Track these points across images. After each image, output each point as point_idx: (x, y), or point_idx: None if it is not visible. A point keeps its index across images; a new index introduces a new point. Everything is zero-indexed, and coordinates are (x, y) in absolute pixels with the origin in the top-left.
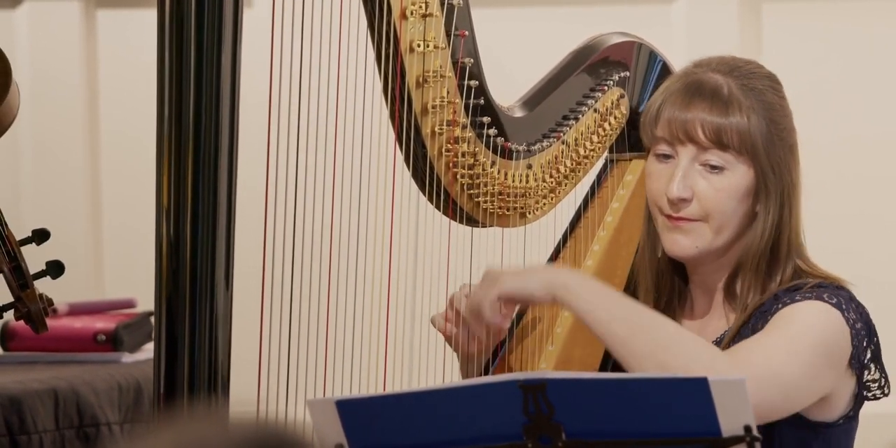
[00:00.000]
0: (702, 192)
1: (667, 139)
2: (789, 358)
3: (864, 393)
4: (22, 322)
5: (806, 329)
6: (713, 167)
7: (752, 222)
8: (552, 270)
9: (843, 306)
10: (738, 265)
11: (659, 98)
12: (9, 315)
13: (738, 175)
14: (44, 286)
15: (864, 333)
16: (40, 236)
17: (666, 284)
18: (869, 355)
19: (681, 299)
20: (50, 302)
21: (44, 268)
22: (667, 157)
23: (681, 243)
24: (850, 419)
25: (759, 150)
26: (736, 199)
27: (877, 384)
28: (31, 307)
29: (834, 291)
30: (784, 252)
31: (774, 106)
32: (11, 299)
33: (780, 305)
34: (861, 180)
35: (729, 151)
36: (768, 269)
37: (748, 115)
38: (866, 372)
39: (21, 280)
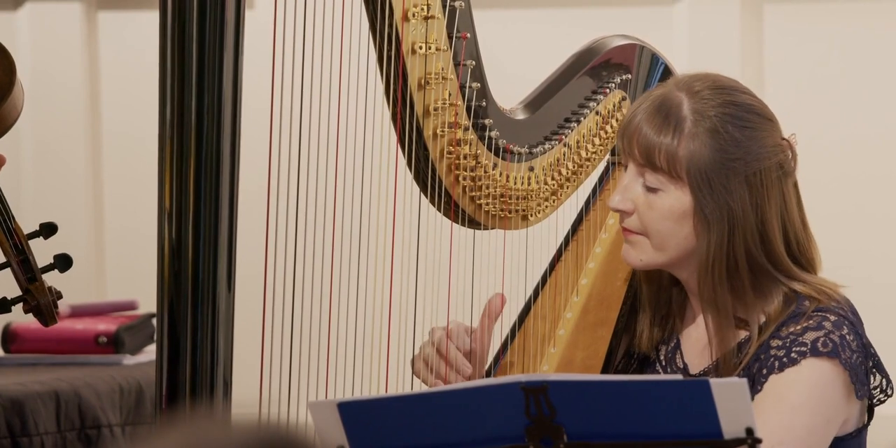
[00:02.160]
0: (640, 208)
1: (620, 148)
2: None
3: (871, 401)
4: (24, 324)
5: (801, 411)
6: (649, 188)
7: None
8: None
9: (839, 349)
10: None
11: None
12: (17, 310)
13: (673, 197)
14: (49, 281)
15: (861, 360)
16: (48, 230)
17: (664, 296)
18: (871, 369)
19: (682, 313)
20: (59, 295)
21: (51, 261)
22: (625, 167)
23: (629, 254)
24: (862, 429)
25: (692, 176)
26: (672, 221)
27: (878, 389)
28: (41, 300)
29: (830, 330)
30: (756, 279)
31: (723, 135)
32: (19, 293)
33: (775, 363)
34: (862, 181)
35: (660, 172)
36: (740, 290)
37: (685, 139)
38: (871, 380)
39: (29, 273)
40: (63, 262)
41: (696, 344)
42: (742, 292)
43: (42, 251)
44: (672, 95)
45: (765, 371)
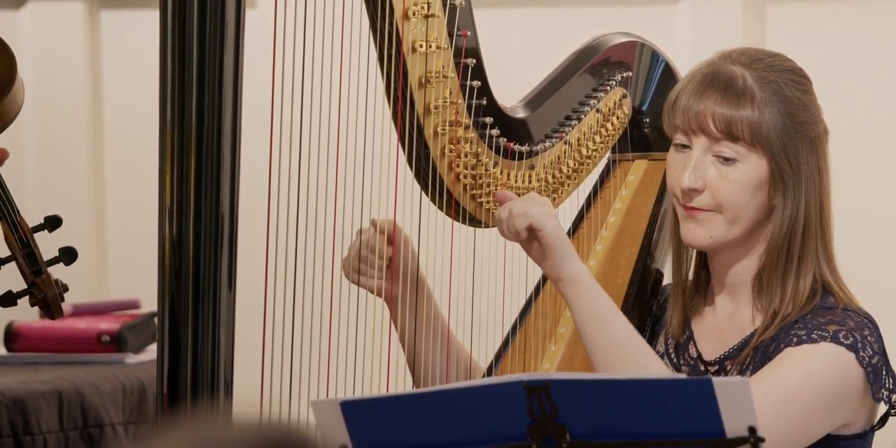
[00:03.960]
0: (714, 183)
1: (682, 129)
2: (783, 417)
3: (891, 411)
4: (27, 322)
5: (810, 380)
6: (725, 159)
7: (770, 215)
8: (575, 258)
9: (859, 345)
10: (761, 259)
11: (679, 87)
12: (23, 303)
13: (751, 167)
14: (54, 275)
15: (881, 365)
16: (53, 223)
17: (694, 279)
18: (891, 385)
19: (707, 294)
20: (65, 288)
21: (56, 255)
22: (684, 146)
23: (696, 233)
24: (868, 432)
25: (772, 143)
26: (749, 191)
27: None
28: (47, 293)
29: (852, 328)
30: (802, 245)
31: (792, 99)
32: (25, 287)
33: (793, 339)
34: (864, 181)
35: (740, 143)
36: (788, 264)
37: (761, 107)
38: (895, 396)
39: (35, 267)
40: (68, 255)
41: (712, 332)
42: (785, 275)
43: (46, 245)
44: (728, 69)
45: (781, 346)
